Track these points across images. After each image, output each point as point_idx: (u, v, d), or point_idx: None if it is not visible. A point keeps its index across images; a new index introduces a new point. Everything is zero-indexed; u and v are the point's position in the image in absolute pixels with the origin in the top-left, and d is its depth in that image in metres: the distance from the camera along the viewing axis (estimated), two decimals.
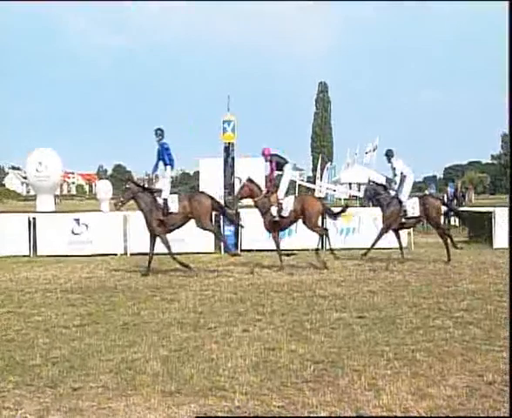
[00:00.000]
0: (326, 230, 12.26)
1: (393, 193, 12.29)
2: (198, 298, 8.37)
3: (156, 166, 11.42)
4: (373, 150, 34.61)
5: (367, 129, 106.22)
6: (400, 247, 12.39)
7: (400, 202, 12.13)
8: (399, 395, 4.38)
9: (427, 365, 5.10)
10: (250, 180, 11.89)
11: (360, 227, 15.02)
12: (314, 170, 51.58)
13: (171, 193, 11.21)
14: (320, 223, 12.37)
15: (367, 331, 6.30)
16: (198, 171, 25.18)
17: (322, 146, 69.24)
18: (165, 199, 11.01)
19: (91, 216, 15.49)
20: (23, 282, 10.07)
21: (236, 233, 14.37)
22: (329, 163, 47.48)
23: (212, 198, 11.41)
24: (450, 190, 24.44)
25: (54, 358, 5.47)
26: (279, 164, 12.00)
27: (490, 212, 15.71)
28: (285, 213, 11.61)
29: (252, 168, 15.63)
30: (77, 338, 6.18)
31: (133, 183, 11.65)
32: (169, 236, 11.68)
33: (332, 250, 11.71)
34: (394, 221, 12.19)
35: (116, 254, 14.01)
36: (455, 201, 23.11)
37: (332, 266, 11.32)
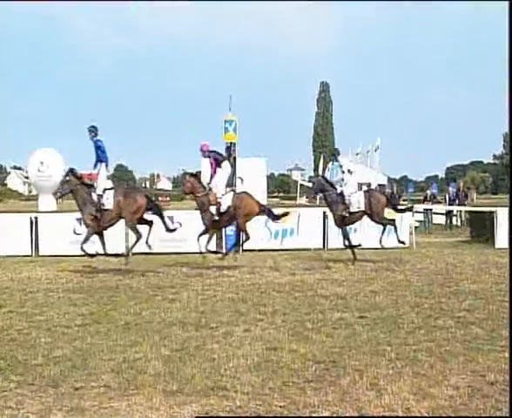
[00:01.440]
0: (248, 237, 11.78)
1: (340, 189, 12.57)
2: (200, 297, 8.37)
3: (96, 164, 11.31)
4: (375, 150, 34.55)
5: (369, 129, 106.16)
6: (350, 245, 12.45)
7: (343, 197, 12.32)
8: (400, 395, 4.38)
9: (428, 365, 5.10)
10: (193, 175, 11.80)
11: (360, 227, 14.99)
12: (316, 170, 51.58)
13: (108, 189, 11.13)
14: (247, 226, 11.72)
15: (368, 331, 6.30)
16: (199, 171, 25.18)
17: (324, 146, 69.26)
18: (99, 195, 11.00)
19: None
20: (24, 282, 10.07)
21: (237, 234, 14.34)
22: (331, 163, 47.45)
23: (147, 198, 11.44)
24: (452, 190, 24.41)
25: (56, 357, 5.47)
26: (217, 160, 11.91)
27: (492, 212, 15.71)
28: (223, 209, 11.53)
29: (253, 168, 15.60)
30: (78, 337, 6.18)
31: (74, 176, 11.39)
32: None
33: (226, 254, 11.84)
34: (344, 217, 12.39)
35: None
36: (457, 201, 23.09)
37: (333, 266, 11.34)
